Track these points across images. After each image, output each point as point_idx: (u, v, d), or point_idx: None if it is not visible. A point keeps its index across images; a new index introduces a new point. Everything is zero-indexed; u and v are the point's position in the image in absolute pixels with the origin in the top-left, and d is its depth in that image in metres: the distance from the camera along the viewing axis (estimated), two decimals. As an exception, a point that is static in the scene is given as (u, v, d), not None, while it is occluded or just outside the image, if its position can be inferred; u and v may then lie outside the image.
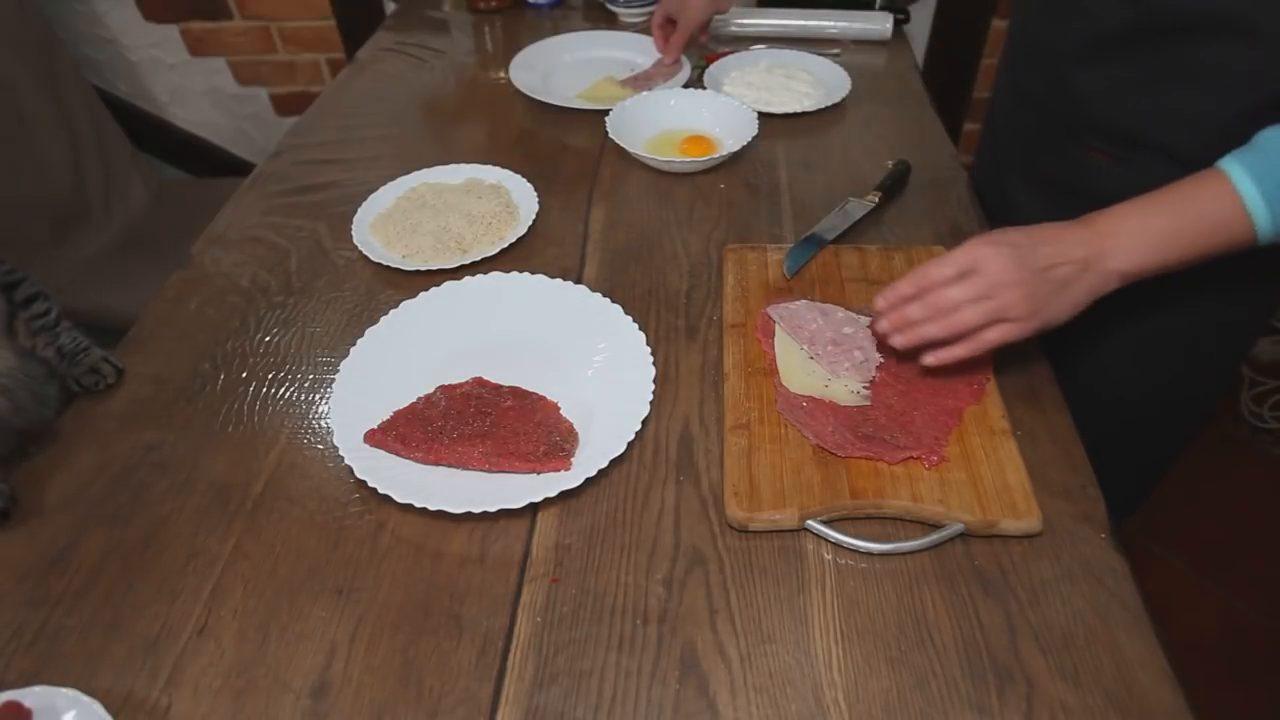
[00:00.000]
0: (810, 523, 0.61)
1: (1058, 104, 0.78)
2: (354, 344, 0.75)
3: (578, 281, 0.81)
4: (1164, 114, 0.70)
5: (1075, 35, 0.73)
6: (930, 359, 0.66)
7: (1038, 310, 0.61)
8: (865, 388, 0.69)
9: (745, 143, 0.99)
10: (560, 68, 1.25)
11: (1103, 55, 0.72)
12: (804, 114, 1.10)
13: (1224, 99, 0.67)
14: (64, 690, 0.51)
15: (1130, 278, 0.62)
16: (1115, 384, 0.85)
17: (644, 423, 0.68)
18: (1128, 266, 0.61)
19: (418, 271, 0.85)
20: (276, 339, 0.79)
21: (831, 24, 1.28)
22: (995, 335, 0.62)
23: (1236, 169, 0.59)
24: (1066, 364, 0.75)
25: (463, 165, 1.00)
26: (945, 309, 0.63)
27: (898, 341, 0.67)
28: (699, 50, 1.25)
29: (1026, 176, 0.87)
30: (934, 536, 0.60)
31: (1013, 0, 0.86)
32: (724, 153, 0.99)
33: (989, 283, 0.61)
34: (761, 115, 1.04)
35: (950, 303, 0.62)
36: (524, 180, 0.97)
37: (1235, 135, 0.62)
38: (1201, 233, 0.60)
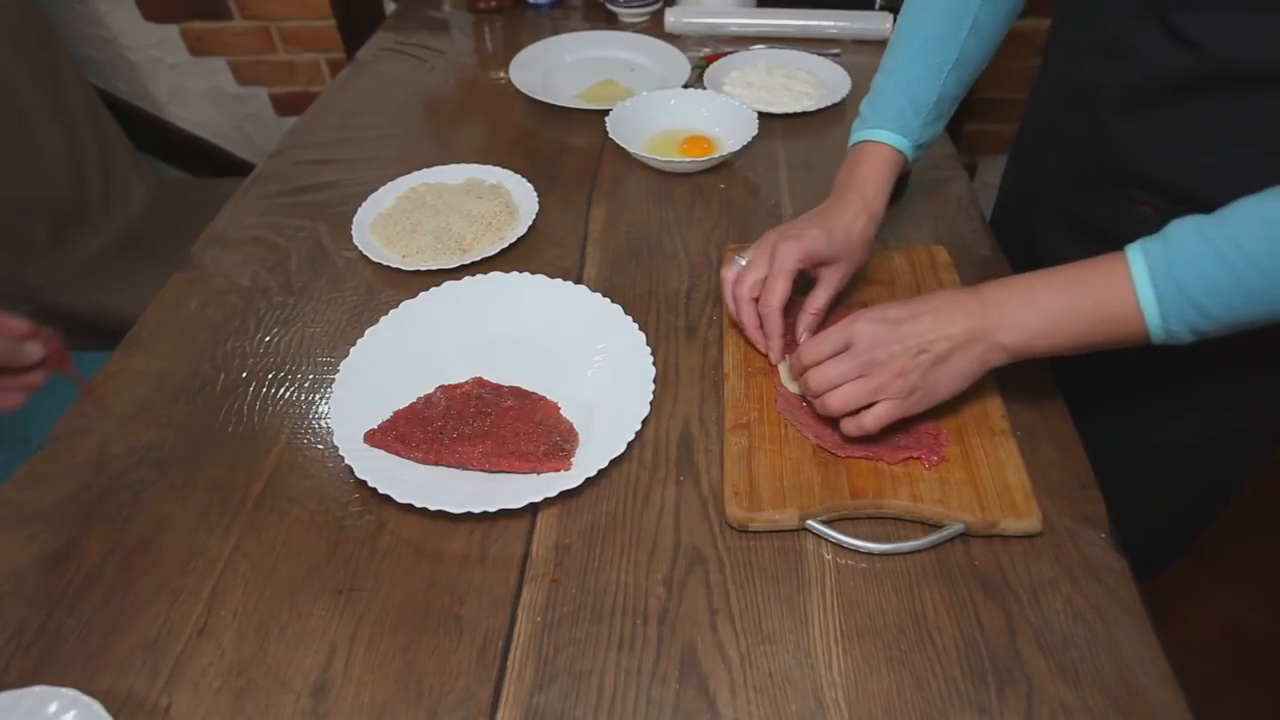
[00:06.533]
0: (810, 523, 0.61)
1: (1097, 149, 0.74)
2: (354, 344, 0.75)
3: (578, 281, 0.81)
4: (1215, 170, 0.65)
5: (1124, 80, 0.69)
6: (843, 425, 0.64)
7: (916, 386, 0.60)
8: None
9: (745, 143, 0.99)
10: (560, 68, 1.25)
11: (1152, 103, 0.68)
12: (804, 114, 1.10)
13: None
14: (64, 690, 0.51)
15: (1017, 355, 0.59)
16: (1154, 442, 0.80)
17: (644, 423, 0.68)
18: (1013, 343, 0.58)
19: (418, 271, 0.85)
20: (276, 339, 0.79)
21: (831, 24, 1.28)
22: (881, 411, 0.61)
23: (1138, 260, 0.54)
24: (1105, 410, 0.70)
25: (463, 165, 1.00)
26: (824, 387, 0.62)
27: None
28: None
29: (1063, 220, 0.83)
30: (934, 536, 0.60)
31: (1051, 37, 0.81)
32: (724, 153, 0.99)
33: (862, 361, 0.60)
34: (761, 115, 1.04)
35: (828, 381, 0.61)
36: (524, 180, 0.97)
37: None
38: (1094, 321, 0.56)
